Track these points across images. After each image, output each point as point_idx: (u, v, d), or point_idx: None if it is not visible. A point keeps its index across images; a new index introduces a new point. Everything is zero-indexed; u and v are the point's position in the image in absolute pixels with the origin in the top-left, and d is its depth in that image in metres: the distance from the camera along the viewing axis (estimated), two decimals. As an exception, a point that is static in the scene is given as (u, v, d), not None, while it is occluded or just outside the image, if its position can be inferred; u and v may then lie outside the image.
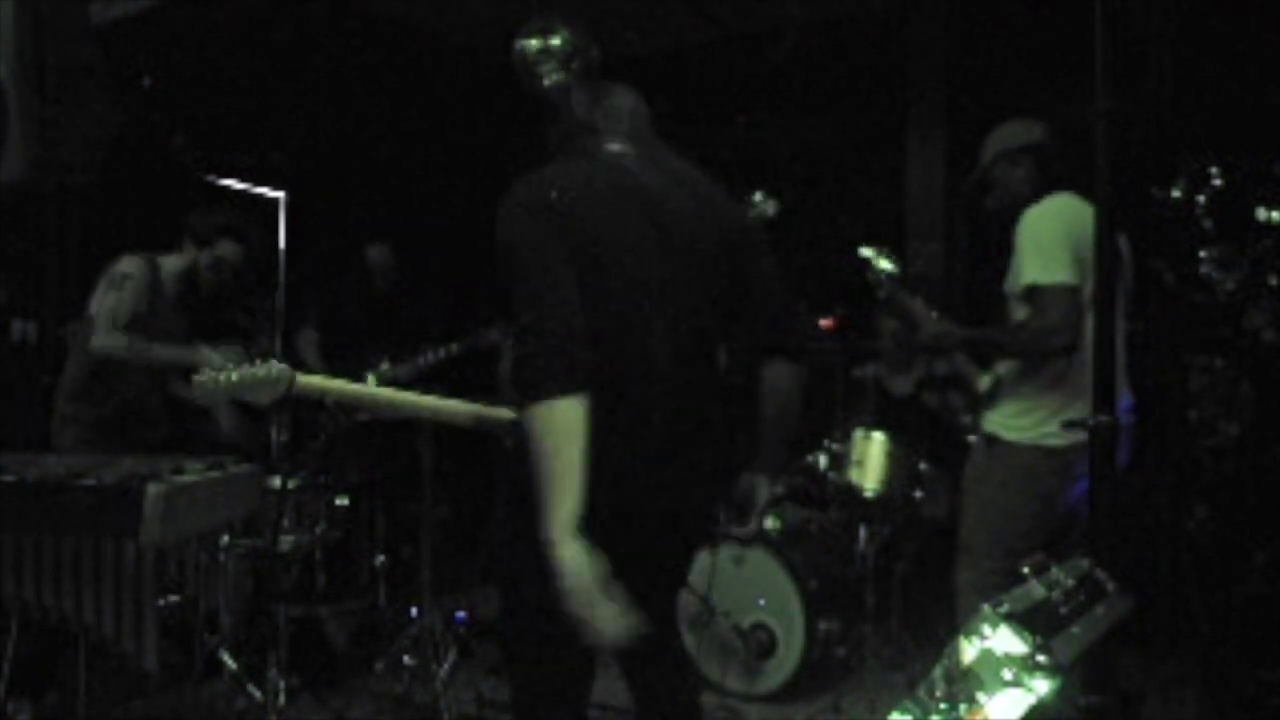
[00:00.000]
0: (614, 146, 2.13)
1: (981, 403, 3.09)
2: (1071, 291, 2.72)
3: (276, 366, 2.22)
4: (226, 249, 3.67)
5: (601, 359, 1.85)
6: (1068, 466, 2.80)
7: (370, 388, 2.41)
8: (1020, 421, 2.88)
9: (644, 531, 2.00)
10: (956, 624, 2.92)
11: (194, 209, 3.69)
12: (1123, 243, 3.00)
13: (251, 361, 2.25)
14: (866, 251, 3.24)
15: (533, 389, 1.76)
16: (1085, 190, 2.88)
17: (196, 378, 2.21)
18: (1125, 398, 2.95)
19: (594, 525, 1.78)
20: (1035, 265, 2.77)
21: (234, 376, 2.19)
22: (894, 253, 3.29)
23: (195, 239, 3.66)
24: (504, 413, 2.19)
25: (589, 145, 2.14)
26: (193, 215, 3.68)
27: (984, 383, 3.14)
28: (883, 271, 3.22)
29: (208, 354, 3.40)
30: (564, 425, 1.76)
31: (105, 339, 3.42)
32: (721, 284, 2.10)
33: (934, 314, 3.12)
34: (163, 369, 3.54)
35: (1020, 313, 2.89)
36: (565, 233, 1.89)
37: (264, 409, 2.43)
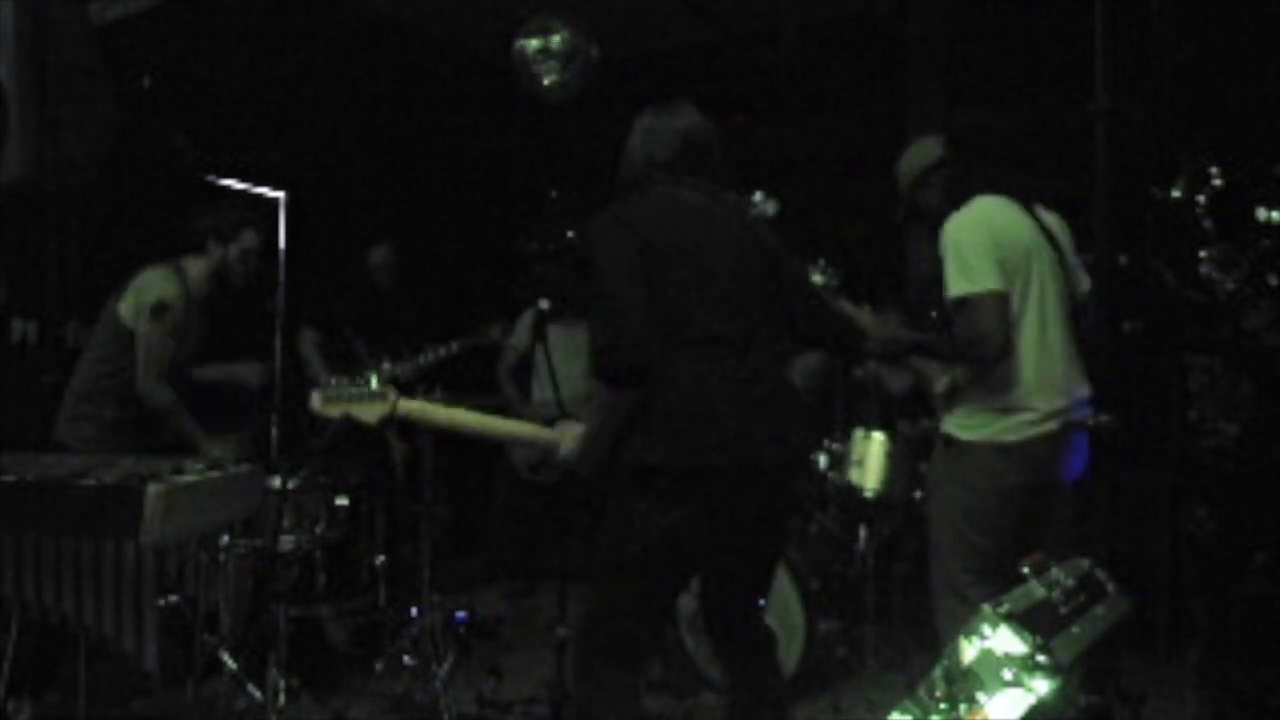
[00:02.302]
0: (673, 181, 2.48)
1: (940, 403, 3.10)
2: (997, 298, 2.75)
3: (382, 388, 2.45)
4: (249, 239, 3.69)
5: (684, 327, 2.29)
6: (1023, 460, 2.81)
7: (461, 412, 2.57)
8: (973, 420, 2.90)
9: (742, 484, 2.33)
10: (934, 624, 2.95)
11: (203, 210, 3.69)
12: (1051, 218, 2.98)
13: (354, 381, 2.47)
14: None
15: (603, 376, 2.30)
16: (1006, 191, 2.92)
17: (315, 396, 2.46)
18: (1076, 388, 2.93)
19: (710, 478, 2.27)
20: (959, 277, 2.80)
21: (348, 392, 2.45)
22: (832, 268, 3.32)
23: (219, 237, 3.66)
24: (550, 434, 2.54)
25: (654, 179, 2.49)
26: (207, 216, 3.67)
27: (943, 383, 3.15)
28: (825, 285, 3.24)
29: (216, 448, 3.41)
30: (615, 409, 2.31)
31: (153, 389, 3.45)
32: (770, 289, 2.47)
33: (880, 320, 3.14)
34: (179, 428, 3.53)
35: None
36: (638, 245, 2.29)
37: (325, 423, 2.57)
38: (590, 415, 2.40)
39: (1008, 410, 2.82)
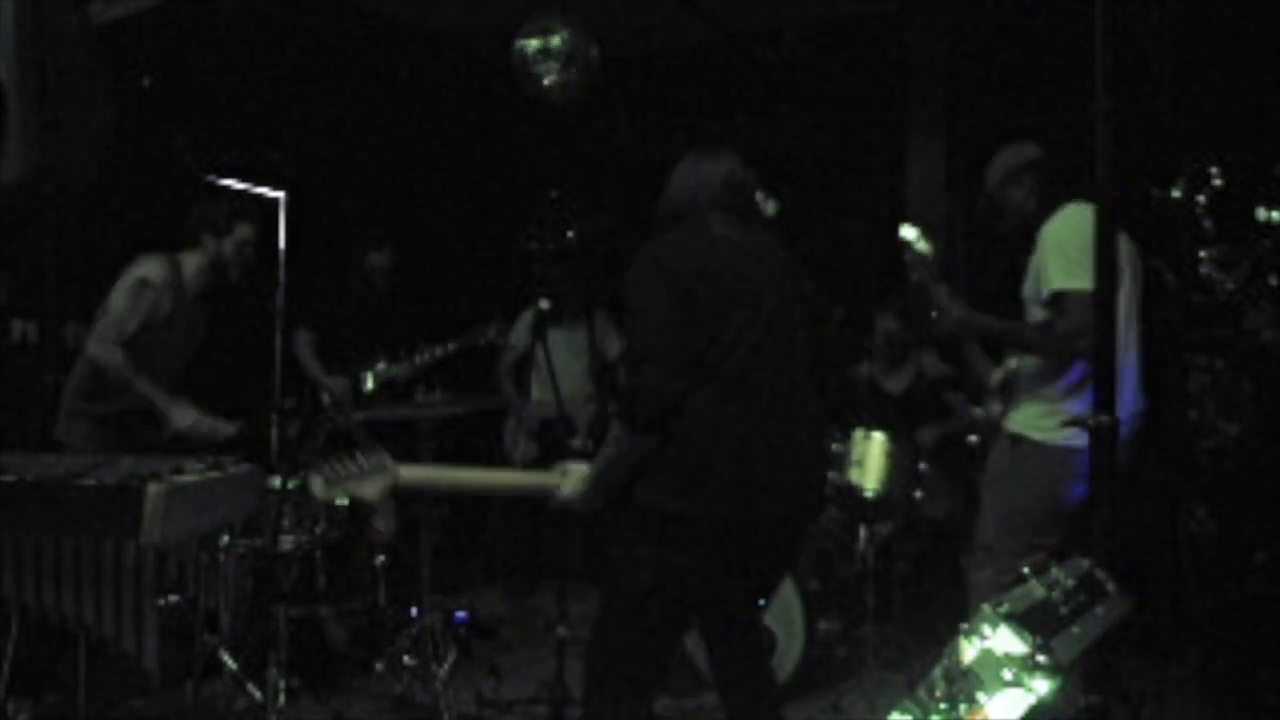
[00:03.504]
0: (714, 220, 2.46)
1: (993, 396, 3.11)
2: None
3: (379, 462, 2.37)
4: (244, 231, 3.69)
5: (718, 367, 2.26)
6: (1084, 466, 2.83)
7: (460, 471, 2.56)
8: (1046, 423, 2.91)
9: (759, 533, 2.32)
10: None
11: (198, 204, 3.69)
12: (1132, 245, 3.03)
13: (355, 459, 2.39)
14: (909, 232, 3.27)
15: (628, 421, 2.28)
16: (1087, 193, 2.92)
17: (316, 482, 2.38)
18: (1138, 400, 2.96)
19: (730, 520, 2.25)
20: (1061, 271, 2.83)
21: (347, 475, 2.36)
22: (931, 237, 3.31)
23: (214, 230, 3.67)
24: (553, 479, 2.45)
25: (694, 218, 2.47)
26: (202, 210, 3.68)
27: (996, 377, 3.17)
28: (921, 254, 3.24)
29: (181, 410, 3.39)
30: (631, 452, 2.28)
31: (103, 350, 3.43)
32: (806, 333, 2.48)
33: (958, 301, 3.16)
34: (139, 396, 3.49)
35: (1039, 316, 2.95)
36: (672, 286, 2.26)
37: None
38: (601, 458, 2.35)
39: (1080, 410, 2.82)
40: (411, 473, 2.45)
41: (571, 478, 2.38)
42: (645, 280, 2.30)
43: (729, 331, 2.28)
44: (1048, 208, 2.99)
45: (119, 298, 3.49)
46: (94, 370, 3.49)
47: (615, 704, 2.33)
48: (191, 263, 3.67)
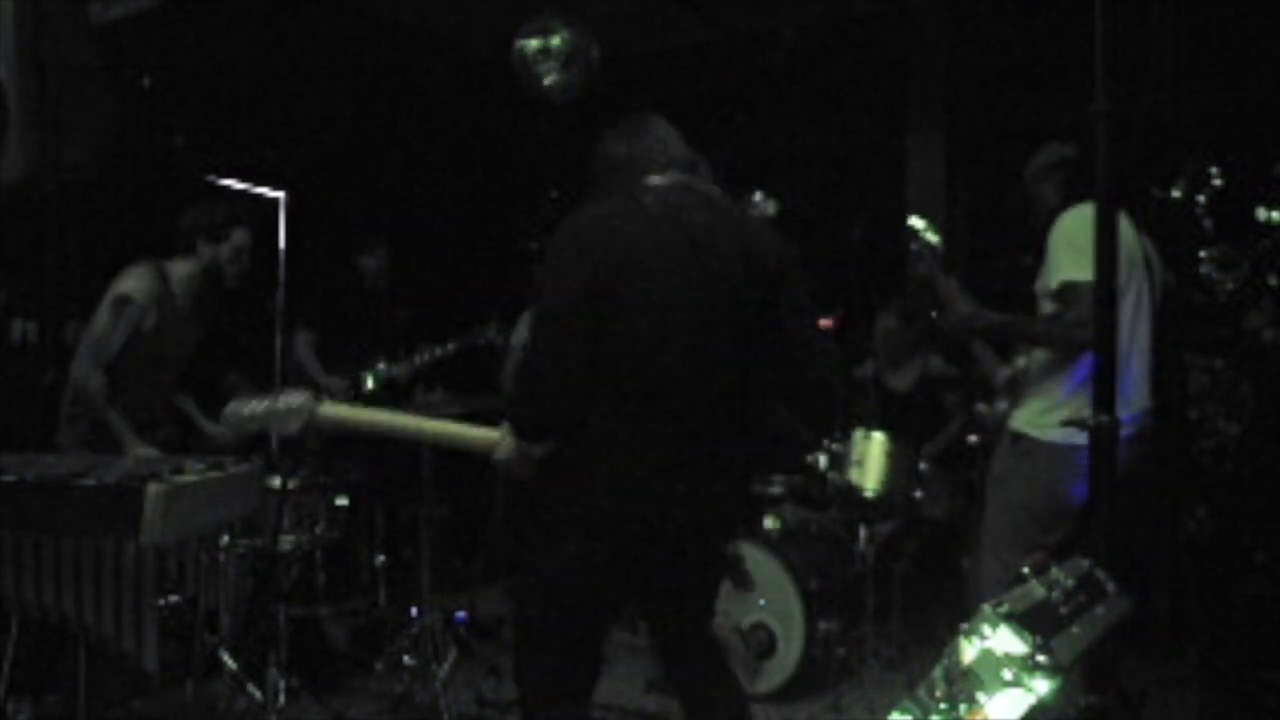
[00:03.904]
0: (653, 180, 2.26)
1: (1000, 394, 3.11)
2: None
3: (298, 397, 2.32)
4: (240, 236, 3.63)
5: (626, 379, 2.12)
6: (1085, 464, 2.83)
7: (389, 414, 2.47)
8: (1046, 419, 2.91)
9: (666, 538, 2.21)
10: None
11: (192, 209, 3.65)
12: (1150, 247, 3.03)
13: (273, 394, 2.35)
14: (917, 222, 3.27)
15: (514, 428, 2.20)
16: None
17: (226, 409, 2.35)
18: (1144, 399, 2.96)
19: (618, 532, 2.13)
20: (1069, 263, 2.83)
21: (260, 408, 2.32)
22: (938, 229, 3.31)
23: (210, 236, 3.61)
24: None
25: (628, 181, 2.27)
26: (196, 216, 3.62)
27: (1004, 375, 3.16)
28: (929, 245, 3.24)
29: (142, 451, 3.32)
30: (521, 450, 2.21)
31: (86, 375, 3.40)
32: (751, 311, 2.24)
33: (966, 295, 3.16)
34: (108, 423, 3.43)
35: (1049, 311, 2.94)
36: (594, 268, 2.09)
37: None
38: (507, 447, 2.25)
39: (1083, 410, 2.81)
40: (334, 410, 2.39)
41: (508, 439, 2.26)
42: (560, 267, 2.12)
43: (642, 326, 2.12)
44: (1067, 206, 3.00)
45: (100, 316, 3.46)
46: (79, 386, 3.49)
47: (548, 706, 2.28)
48: (181, 270, 3.60)
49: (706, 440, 2.21)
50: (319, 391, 4.28)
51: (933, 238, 3.23)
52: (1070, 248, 2.84)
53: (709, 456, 2.22)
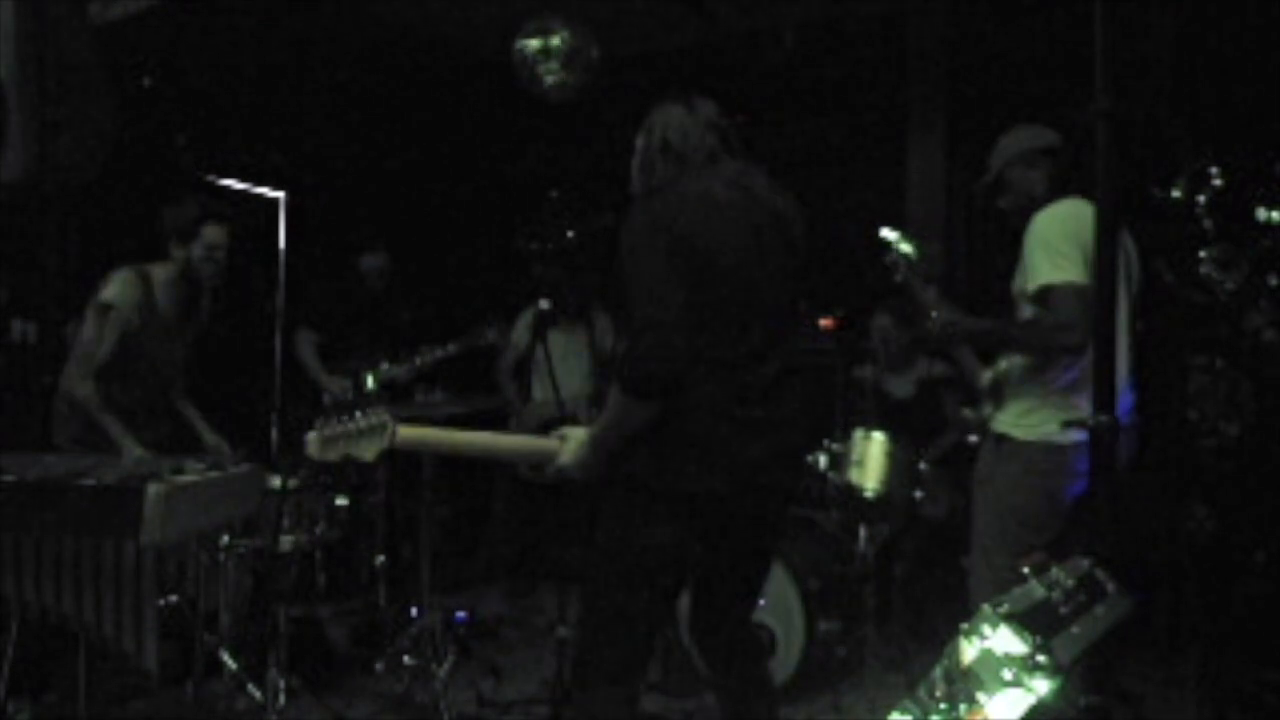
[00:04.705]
0: (715, 176, 2.37)
1: (983, 397, 3.10)
2: (1083, 290, 2.74)
3: (377, 417, 2.30)
4: (212, 234, 3.57)
5: (709, 351, 2.22)
6: (1072, 463, 2.81)
7: (463, 434, 2.47)
8: (1028, 420, 2.90)
9: (750, 505, 2.33)
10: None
11: (164, 210, 3.62)
12: (1130, 243, 3.02)
13: (352, 416, 2.31)
14: (889, 234, 3.27)
15: (628, 388, 2.19)
16: (1087, 190, 2.91)
17: (308, 438, 2.29)
18: (1126, 397, 2.96)
19: (712, 505, 2.25)
20: (1047, 266, 2.80)
21: (340, 432, 2.29)
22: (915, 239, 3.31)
23: (180, 237, 3.58)
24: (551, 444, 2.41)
25: (689, 169, 2.39)
26: (169, 217, 3.60)
27: (986, 378, 3.15)
28: (903, 255, 3.24)
29: (136, 453, 3.32)
30: (633, 419, 2.22)
31: (77, 385, 3.42)
32: (795, 283, 2.43)
33: (944, 304, 3.15)
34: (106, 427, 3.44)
35: (1028, 313, 2.92)
36: (675, 250, 2.19)
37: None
38: (599, 422, 2.30)
39: (1064, 409, 2.80)
40: (410, 433, 2.39)
41: (570, 442, 2.35)
42: (646, 243, 2.21)
43: (721, 301, 2.24)
44: (1051, 198, 2.96)
45: (86, 325, 3.47)
46: (70, 397, 3.49)
47: (605, 687, 2.31)
48: (160, 274, 3.59)
49: (783, 396, 2.34)
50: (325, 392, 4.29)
51: (906, 248, 3.22)
52: (1047, 249, 2.82)
53: (787, 413, 2.34)
